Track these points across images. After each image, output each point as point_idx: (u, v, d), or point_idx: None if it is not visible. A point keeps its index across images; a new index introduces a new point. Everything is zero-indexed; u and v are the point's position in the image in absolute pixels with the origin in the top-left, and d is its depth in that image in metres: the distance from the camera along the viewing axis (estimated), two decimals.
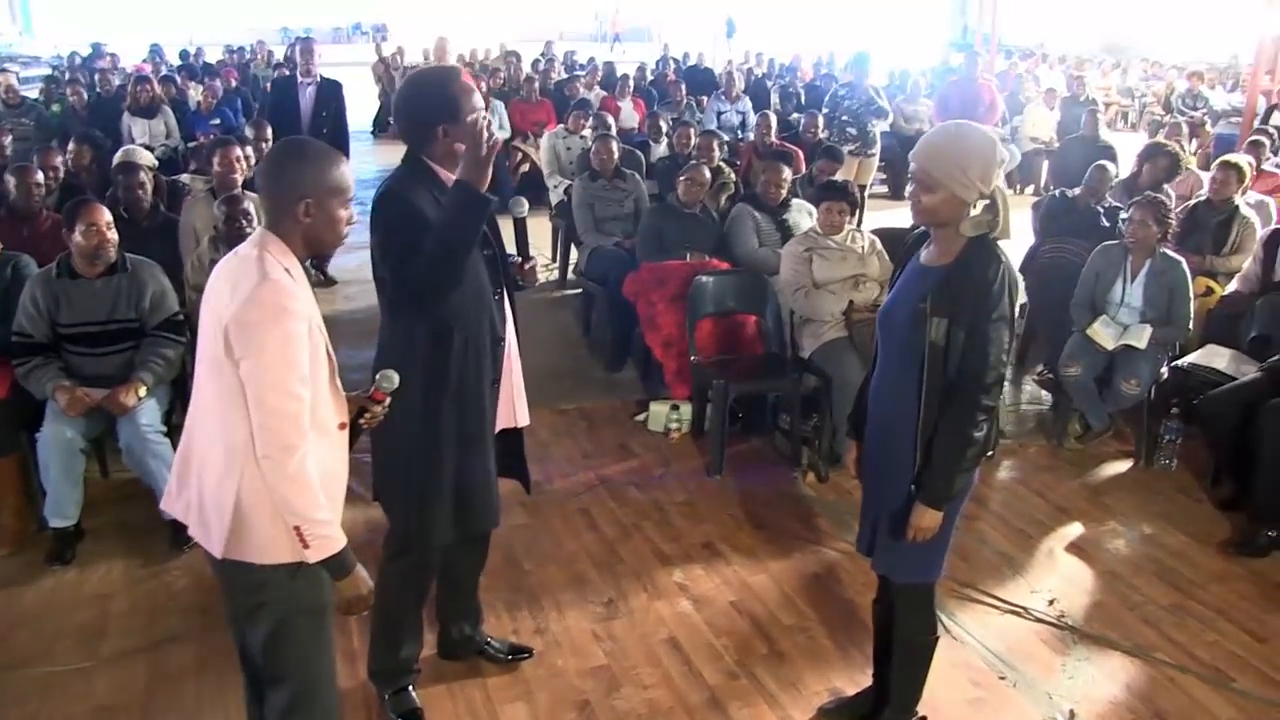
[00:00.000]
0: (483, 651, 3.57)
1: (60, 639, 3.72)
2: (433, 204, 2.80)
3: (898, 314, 2.80)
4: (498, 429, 3.14)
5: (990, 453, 5.04)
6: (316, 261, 8.02)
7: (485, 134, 2.71)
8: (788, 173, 6.03)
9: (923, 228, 2.84)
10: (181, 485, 2.48)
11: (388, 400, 2.63)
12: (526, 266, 3.22)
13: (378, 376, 2.61)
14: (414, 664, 3.38)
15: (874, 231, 5.55)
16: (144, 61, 15.82)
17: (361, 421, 2.61)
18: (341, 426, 2.49)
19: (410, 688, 3.35)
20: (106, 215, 4.24)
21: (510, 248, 3.19)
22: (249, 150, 6.31)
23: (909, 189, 2.76)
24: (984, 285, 2.63)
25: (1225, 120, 14.21)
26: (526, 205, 3.19)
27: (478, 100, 2.86)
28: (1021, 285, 6.48)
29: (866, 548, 3.01)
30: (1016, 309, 2.74)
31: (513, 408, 3.19)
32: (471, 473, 3.03)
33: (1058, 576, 4.24)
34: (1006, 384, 6.09)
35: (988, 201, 2.67)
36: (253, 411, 2.24)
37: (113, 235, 4.24)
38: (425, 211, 2.78)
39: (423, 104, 2.87)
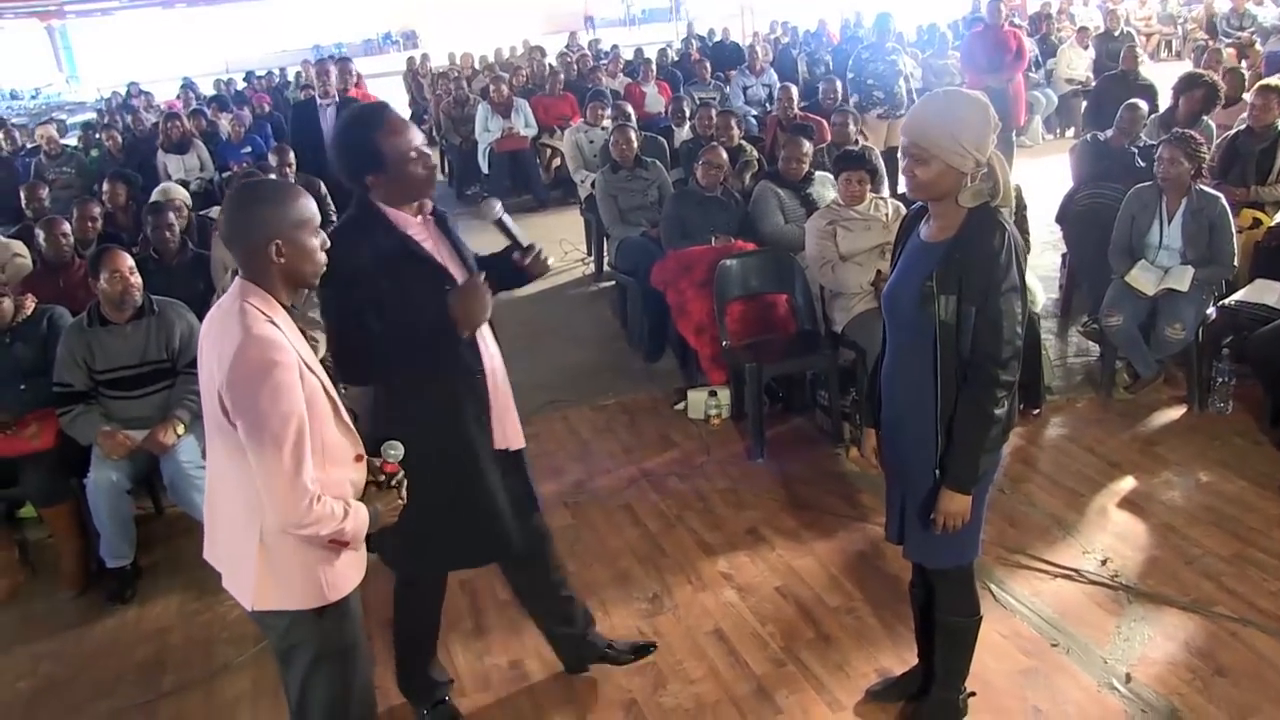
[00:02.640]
0: (605, 656, 3.53)
1: (124, 676, 3.84)
2: (368, 252, 2.73)
3: (903, 294, 2.73)
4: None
5: (1037, 410, 5.05)
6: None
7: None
8: (808, 147, 5.94)
9: (920, 202, 2.77)
10: (212, 538, 2.53)
11: (400, 473, 2.60)
12: (526, 261, 3.00)
13: (382, 448, 2.58)
14: (443, 675, 3.40)
15: (902, 196, 5.45)
16: (176, 97, 16.07)
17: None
18: (358, 459, 2.50)
19: (448, 698, 3.37)
20: (129, 260, 4.33)
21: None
22: (273, 178, 6.37)
23: (902, 163, 2.68)
24: (990, 257, 2.54)
25: (1276, 36, 13.74)
26: (498, 205, 2.97)
27: (411, 138, 2.78)
28: (1060, 235, 6.44)
29: (896, 535, 2.95)
30: (1025, 276, 2.66)
31: (504, 433, 3.04)
32: (465, 506, 2.94)
33: (1110, 535, 4.14)
34: (1052, 337, 6.07)
35: (985, 169, 2.58)
36: (256, 472, 2.24)
37: (136, 279, 4.33)
38: (359, 267, 2.70)
39: (347, 159, 2.82)
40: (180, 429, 4.27)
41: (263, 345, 2.22)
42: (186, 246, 5.62)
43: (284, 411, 2.21)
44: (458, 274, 2.87)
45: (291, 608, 2.42)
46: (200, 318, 4.55)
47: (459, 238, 2.98)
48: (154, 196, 6.57)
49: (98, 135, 10.81)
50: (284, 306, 2.35)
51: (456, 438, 2.90)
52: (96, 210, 6.19)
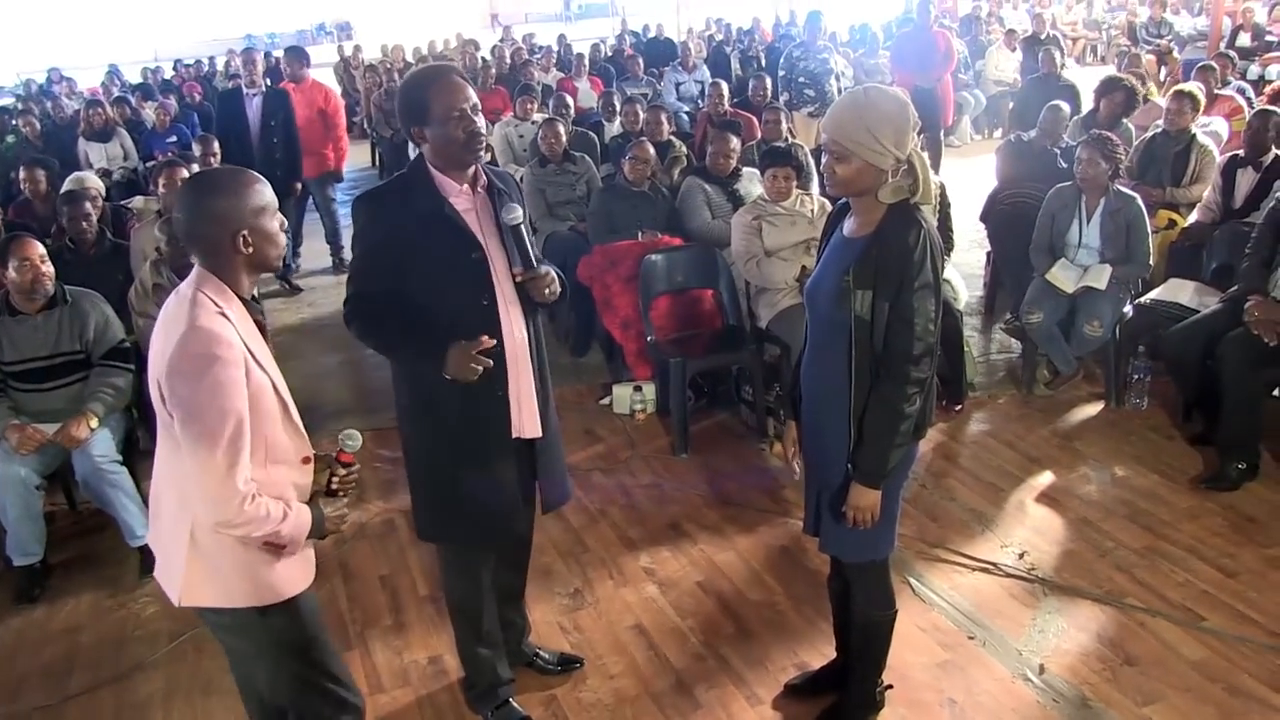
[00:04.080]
0: (531, 663, 3.50)
1: (28, 678, 3.72)
2: (407, 209, 2.78)
3: (823, 289, 2.73)
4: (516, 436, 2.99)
5: (959, 406, 5.11)
6: (282, 272, 8.02)
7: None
8: (736, 143, 5.96)
9: (844, 199, 2.78)
10: (156, 527, 2.47)
11: (356, 465, 2.56)
12: (519, 279, 2.84)
13: (340, 437, 2.52)
14: (506, 675, 3.30)
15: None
16: (100, 85, 15.69)
17: (334, 485, 2.52)
18: (305, 461, 2.44)
19: (511, 699, 3.30)
20: (39, 249, 4.19)
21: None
22: (195, 168, 6.23)
23: (824, 160, 2.69)
24: (905, 253, 2.55)
25: (1192, 45, 14.12)
26: (518, 212, 2.82)
27: (457, 99, 2.72)
28: (984, 233, 6.53)
29: (813, 528, 2.96)
30: (942, 274, 2.68)
31: (520, 419, 2.96)
32: (480, 481, 2.93)
33: (1028, 529, 4.21)
34: (976, 334, 6.16)
35: (905, 166, 2.60)
36: (188, 466, 2.18)
37: (48, 268, 4.20)
38: (386, 225, 2.80)
39: (401, 108, 2.84)
40: (94, 423, 4.15)
41: (205, 338, 2.16)
42: (104, 236, 5.48)
43: (221, 407, 2.15)
44: (495, 250, 2.84)
45: (224, 605, 2.36)
46: (119, 309, 4.52)
47: (509, 220, 2.82)
48: (67, 185, 6.38)
49: (14, 121, 10.49)
50: (241, 298, 2.29)
51: (469, 414, 2.87)
52: None
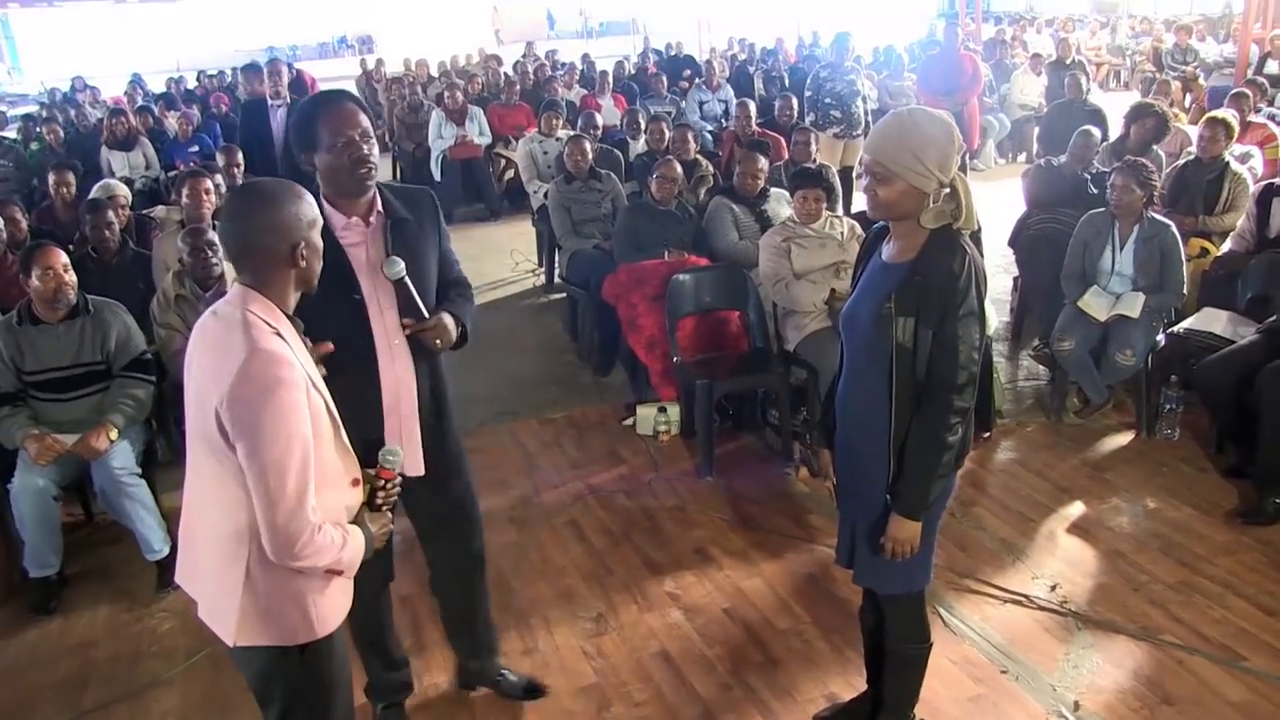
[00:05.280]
0: (497, 684, 3.44)
1: (42, 693, 3.67)
2: None
3: (861, 315, 2.67)
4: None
5: (988, 434, 5.04)
6: None
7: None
8: (764, 163, 5.91)
9: (882, 222, 2.72)
10: (190, 564, 2.36)
11: (399, 478, 2.49)
12: (408, 331, 2.77)
13: (381, 453, 2.45)
14: (398, 680, 3.31)
15: (858, 215, 5.43)
16: (124, 94, 15.76)
17: (379, 500, 2.44)
18: (355, 483, 2.37)
19: (401, 704, 3.31)
20: (63, 258, 4.16)
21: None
22: (219, 179, 6.21)
23: (864, 182, 2.63)
24: (949, 280, 2.49)
25: (1218, 72, 14.01)
26: (400, 265, 2.70)
27: (344, 124, 2.62)
28: (1011, 258, 6.46)
29: (846, 559, 2.89)
30: (985, 301, 2.61)
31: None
32: None
33: (1060, 560, 4.12)
34: (1003, 360, 6.08)
35: (948, 190, 2.54)
36: (255, 498, 2.07)
37: (70, 277, 4.16)
38: None
39: (292, 134, 2.75)
40: (114, 434, 4.11)
41: (268, 361, 2.05)
42: (126, 245, 5.46)
43: (288, 434, 2.05)
44: (382, 289, 2.73)
45: (277, 643, 2.25)
46: (140, 319, 4.47)
47: (390, 274, 2.70)
48: (94, 192, 6.37)
49: (39, 129, 10.54)
50: (287, 316, 2.20)
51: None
52: (18, 213, 5.82)
